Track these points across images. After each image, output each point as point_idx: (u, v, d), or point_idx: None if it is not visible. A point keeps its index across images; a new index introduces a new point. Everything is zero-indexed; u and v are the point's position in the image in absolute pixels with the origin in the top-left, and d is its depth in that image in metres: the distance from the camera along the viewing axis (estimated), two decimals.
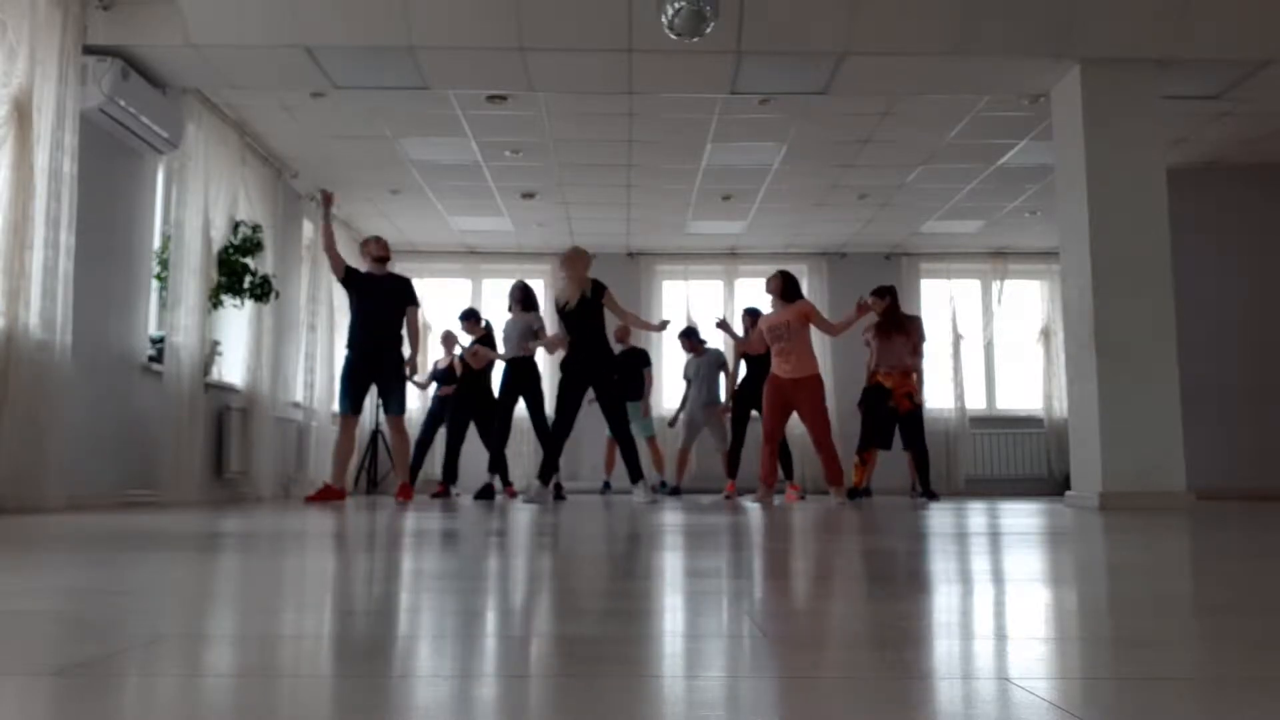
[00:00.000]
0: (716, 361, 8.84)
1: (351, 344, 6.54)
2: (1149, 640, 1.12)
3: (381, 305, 6.57)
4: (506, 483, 8.34)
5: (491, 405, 8.13)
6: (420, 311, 6.89)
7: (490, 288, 11.26)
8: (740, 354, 8.22)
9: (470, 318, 8.39)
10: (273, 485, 7.88)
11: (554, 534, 3.16)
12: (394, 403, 6.52)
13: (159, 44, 5.69)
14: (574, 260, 6.69)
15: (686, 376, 8.95)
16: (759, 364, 8.08)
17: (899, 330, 7.49)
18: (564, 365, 6.62)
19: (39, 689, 0.87)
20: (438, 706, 0.80)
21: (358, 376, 6.49)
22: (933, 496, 7.42)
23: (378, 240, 6.80)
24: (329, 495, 6.41)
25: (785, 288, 6.86)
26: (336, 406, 6.62)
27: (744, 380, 8.27)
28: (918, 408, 7.46)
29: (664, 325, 6.95)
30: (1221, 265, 8.38)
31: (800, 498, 8.03)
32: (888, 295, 7.60)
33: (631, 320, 6.81)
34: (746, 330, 8.11)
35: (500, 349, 7.99)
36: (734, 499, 7.70)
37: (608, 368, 6.58)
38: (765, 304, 8.45)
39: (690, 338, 8.99)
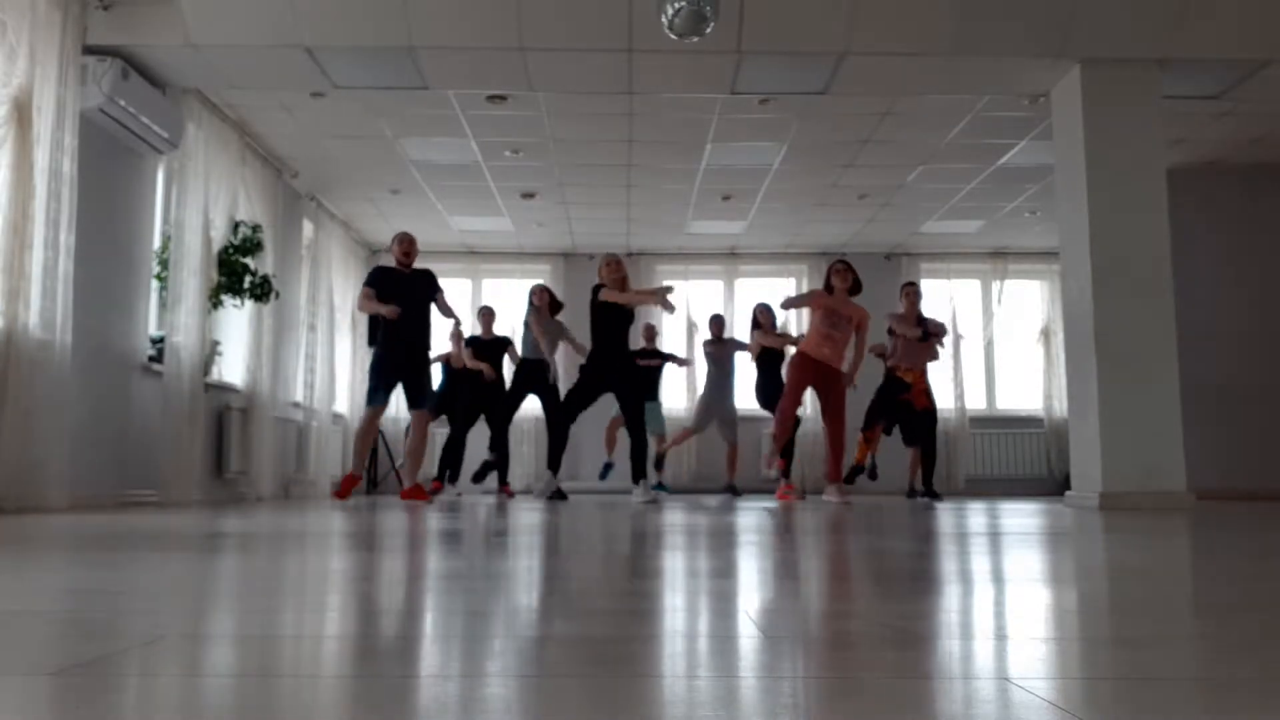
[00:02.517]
0: (735, 352, 8.78)
1: (382, 341, 6.52)
2: (1149, 640, 1.12)
3: (409, 302, 6.53)
4: (503, 482, 8.37)
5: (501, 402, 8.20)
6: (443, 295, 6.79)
7: (490, 288, 11.26)
8: (759, 349, 8.24)
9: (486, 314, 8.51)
10: (273, 485, 7.88)
11: (554, 535, 3.16)
12: (422, 398, 6.54)
13: (159, 44, 5.69)
14: (622, 267, 6.88)
15: (708, 355, 8.81)
16: (771, 363, 8.12)
17: (925, 329, 7.54)
18: (585, 367, 6.70)
19: (39, 689, 0.87)
20: (438, 706, 0.81)
21: (387, 372, 6.50)
22: (935, 496, 7.43)
23: (399, 240, 6.73)
24: (353, 483, 6.45)
25: (857, 282, 6.89)
26: (365, 399, 6.60)
27: (758, 378, 8.30)
28: (934, 405, 7.50)
29: (668, 290, 6.90)
30: (1221, 265, 8.37)
31: (800, 497, 8.01)
32: (918, 293, 7.70)
33: (635, 298, 6.81)
34: (756, 323, 8.13)
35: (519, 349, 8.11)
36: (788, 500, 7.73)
37: (628, 372, 6.66)
38: (770, 299, 8.42)
39: (719, 324, 8.88)
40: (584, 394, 6.68)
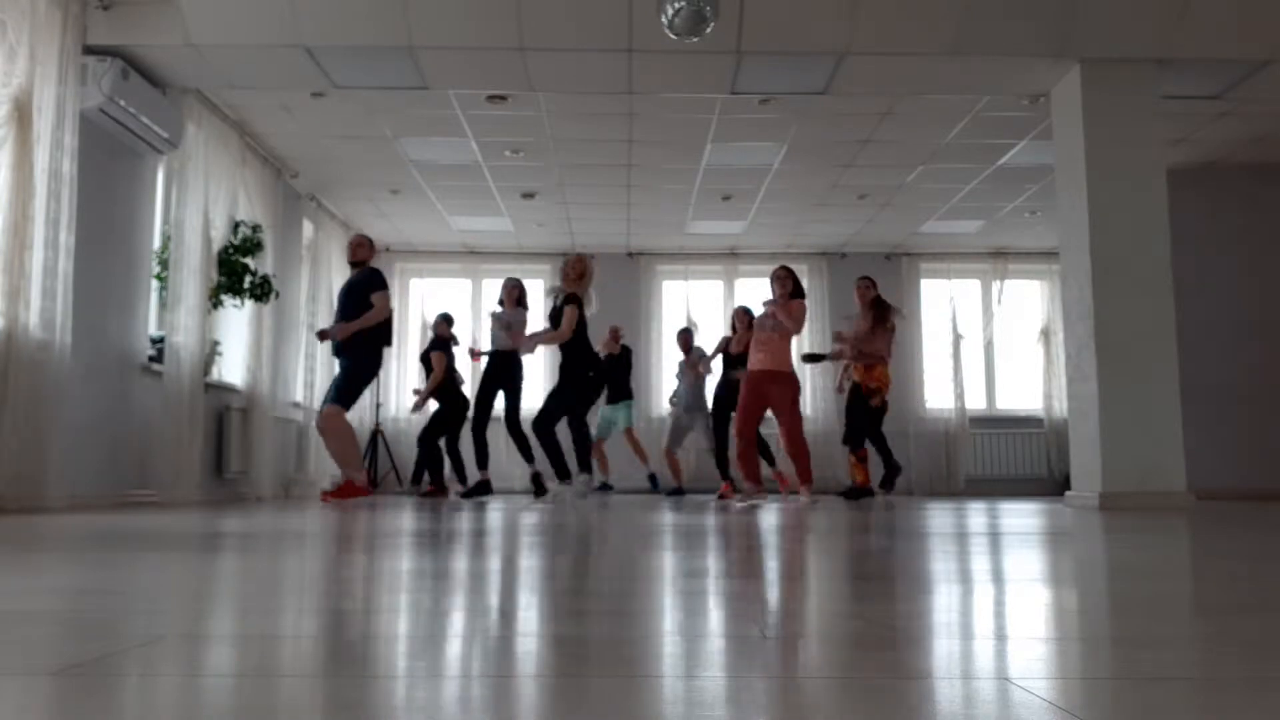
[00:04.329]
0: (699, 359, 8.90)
1: (378, 352, 6.53)
2: (1149, 640, 1.12)
3: (344, 304, 6.47)
4: (463, 478, 8.28)
5: (462, 403, 8.18)
6: (384, 296, 6.45)
7: (490, 288, 11.25)
8: (721, 350, 8.31)
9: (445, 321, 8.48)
10: (273, 485, 7.87)
11: (550, 534, 3.16)
12: (330, 391, 6.39)
13: (159, 44, 5.69)
14: (581, 264, 6.85)
15: (678, 375, 9.00)
16: (735, 367, 8.06)
17: (880, 324, 7.50)
18: (582, 376, 6.73)
19: (39, 689, 0.87)
20: (438, 706, 0.80)
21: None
22: (876, 491, 7.40)
23: (350, 241, 6.73)
24: (361, 493, 6.38)
25: (796, 287, 6.74)
26: (345, 403, 6.41)
27: (721, 383, 8.29)
28: (875, 403, 7.40)
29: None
30: (1221, 265, 8.37)
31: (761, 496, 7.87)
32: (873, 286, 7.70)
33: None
34: (734, 327, 8.11)
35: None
36: (728, 499, 7.68)
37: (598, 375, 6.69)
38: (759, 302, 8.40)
39: (688, 337, 9.04)
40: (581, 401, 6.66)
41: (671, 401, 9.26)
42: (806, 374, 10.51)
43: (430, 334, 8.76)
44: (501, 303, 7.80)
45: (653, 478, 9.30)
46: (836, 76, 6.09)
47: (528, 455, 7.34)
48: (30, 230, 4.90)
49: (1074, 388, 6.08)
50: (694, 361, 8.83)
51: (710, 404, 8.51)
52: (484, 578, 1.81)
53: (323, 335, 6.60)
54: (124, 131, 5.83)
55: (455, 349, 8.57)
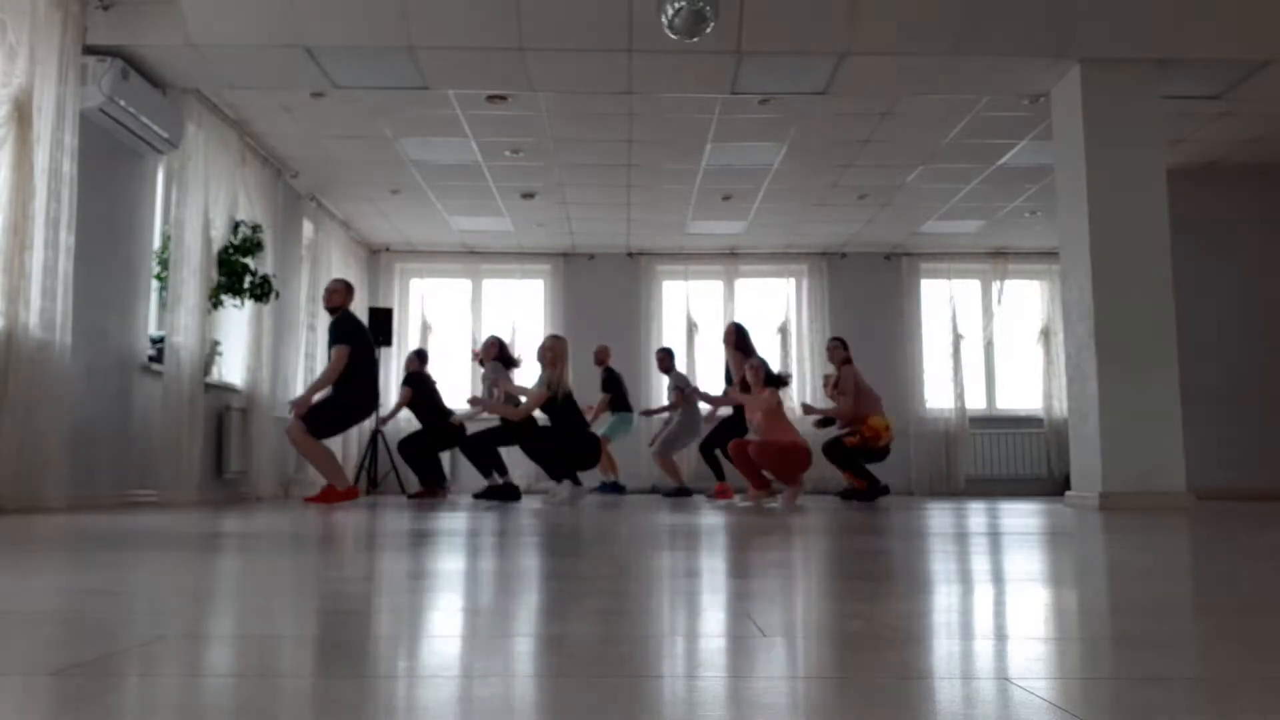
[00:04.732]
0: (678, 385, 8.92)
1: (372, 390, 6.65)
2: (1149, 640, 1.12)
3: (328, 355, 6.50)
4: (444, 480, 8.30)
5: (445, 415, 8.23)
6: (341, 351, 6.34)
7: (490, 288, 11.25)
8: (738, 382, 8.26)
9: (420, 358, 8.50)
10: (273, 485, 7.87)
11: (549, 535, 3.16)
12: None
13: (159, 44, 5.69)
14: (557, 346, 6.86)
15: (668, 402, 9.09)
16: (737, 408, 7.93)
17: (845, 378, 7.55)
18: (579, 437, 6.80)
19: (39, 689, 0.87)
20: (439, 706, 0.81)
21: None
22: (848, 497, 7.45)
23: (326, 288, 6.75)
24: (346, 495, 6.35)
25: (768, 377, 6.60)
26: (319, 432, 6.38)
27: (725, 419, 8.21)
28: (855, 441, 7.42)
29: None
30: (1221, 265, 8.37)
31: (730, 496, 7.83)
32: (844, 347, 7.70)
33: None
34: (731, 341, 7.96)
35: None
36: (725, 499, 7.65)
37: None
38: (754, 315, 8.31)
39: (667, 358, 9.09)
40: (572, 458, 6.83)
41: (651, 445, 9.26)
42: (807, 376, 10.51)
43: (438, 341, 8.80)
44: (481, 361, 7.97)
45: (606, 486, 9.28)
46: (836, 76, 6.09)
47: (501, 469, 7.75)
48: (30, 230, 4.90)
49: (1074, 388, 6.08)
50: (679, 391, 8.81)
51: (708, 427, 8.52)
52: (486, 578, 1.81)
53: (295, 409, 6.40)
54: (124, 131, 5.83)
55: (434, 380, 8.55)
